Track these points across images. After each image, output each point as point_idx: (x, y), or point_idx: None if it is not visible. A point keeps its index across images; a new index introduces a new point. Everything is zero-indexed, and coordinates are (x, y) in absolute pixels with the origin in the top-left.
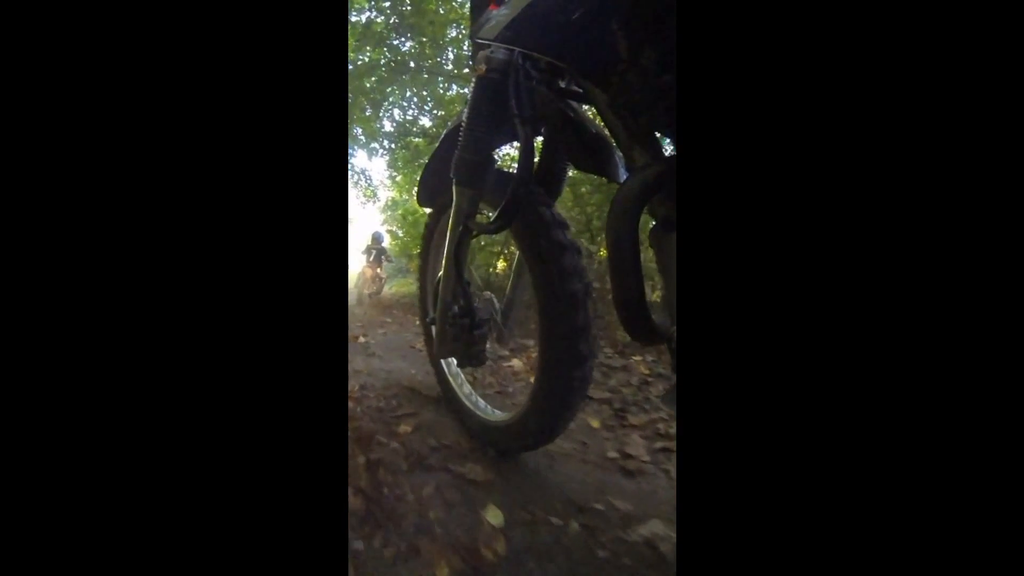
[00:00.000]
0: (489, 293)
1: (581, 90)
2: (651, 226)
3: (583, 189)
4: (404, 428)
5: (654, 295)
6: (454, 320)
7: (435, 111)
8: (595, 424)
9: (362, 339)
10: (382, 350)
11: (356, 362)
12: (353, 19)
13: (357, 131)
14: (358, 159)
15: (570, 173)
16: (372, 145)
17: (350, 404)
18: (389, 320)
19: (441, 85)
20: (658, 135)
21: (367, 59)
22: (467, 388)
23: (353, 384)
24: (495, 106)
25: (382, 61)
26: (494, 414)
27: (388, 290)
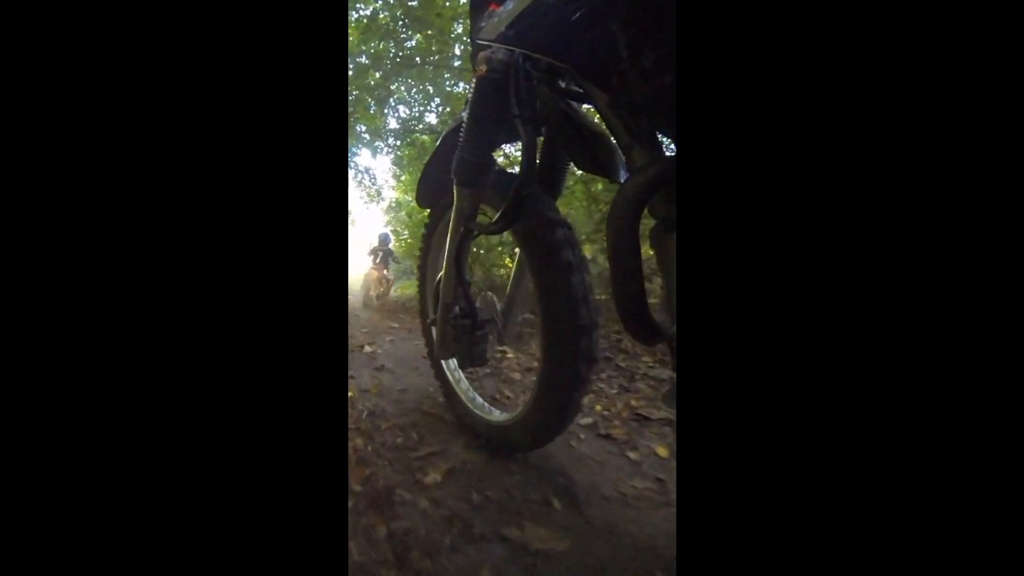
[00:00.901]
0: (490, 293)
1: (581, 90)
2: (652, 226)
3: (597, 187)
4: (433, 476)
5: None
6: (455, 321)
7: (442, 107)
8: (663, 452)
9: (368, 348)
10: (392, 362)
11: (363, 378)
12: (360, 13)
13: (360, 129)
14: (362, 158)
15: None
16: (376, 143)
17: (359, 441)
18: (396, 325)
19: (448, 81)
20: (659, 135)
21: (373, 51)
22: (468, 388)
23: (360, 410)
24: (496, 106)
25: (387, 55)
26: (495, 414)
27: (394, 292)
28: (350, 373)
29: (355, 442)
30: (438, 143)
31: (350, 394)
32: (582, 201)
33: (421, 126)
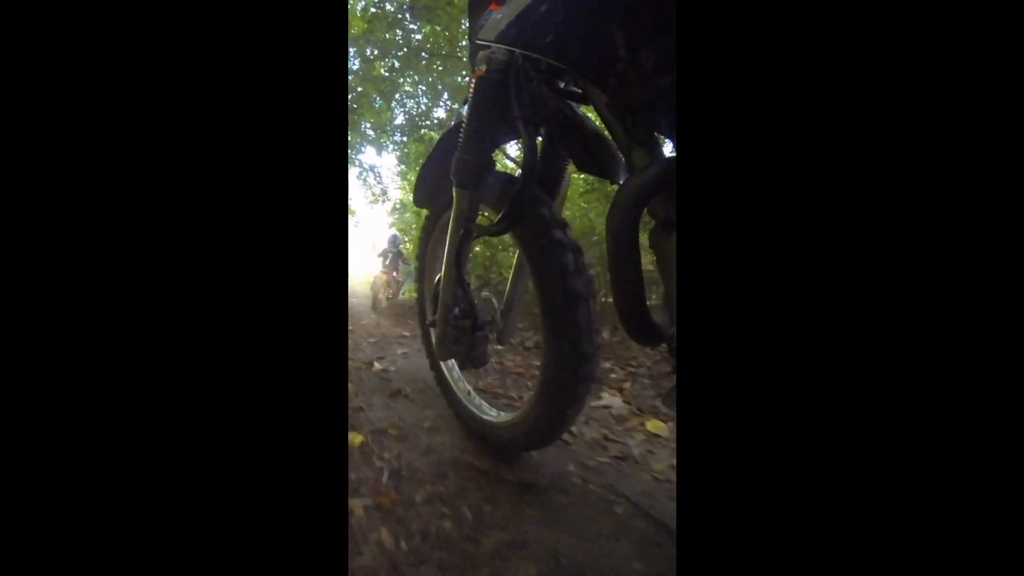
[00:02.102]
0: (488, 294)
1: (580, 91)
2: (651, 227)
3: (613, 186)
4: None
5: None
6: (455, 322)
7: (451, 102)
8: None
9: (378, 365)
10: (410, 384)
11: (375, 409)
12: (365, 1)
13: (364, 125)
14: (366, 155)
15: None
16: (381, 139)
17: (385, 532)
18: (407, 333)
19: (458, 74)
20: (658, 136)
21: (379, 42)
22: (466, 388)
23: (379, 467)
24: (495, 107)
25: (395, 44)
26: (496, 415)
27: (403, 295)
28: (359, 404)
29: (380, 533)
30: (436, 143)
31: (360, 439)
32: (604, 205)
33: (429, 122)
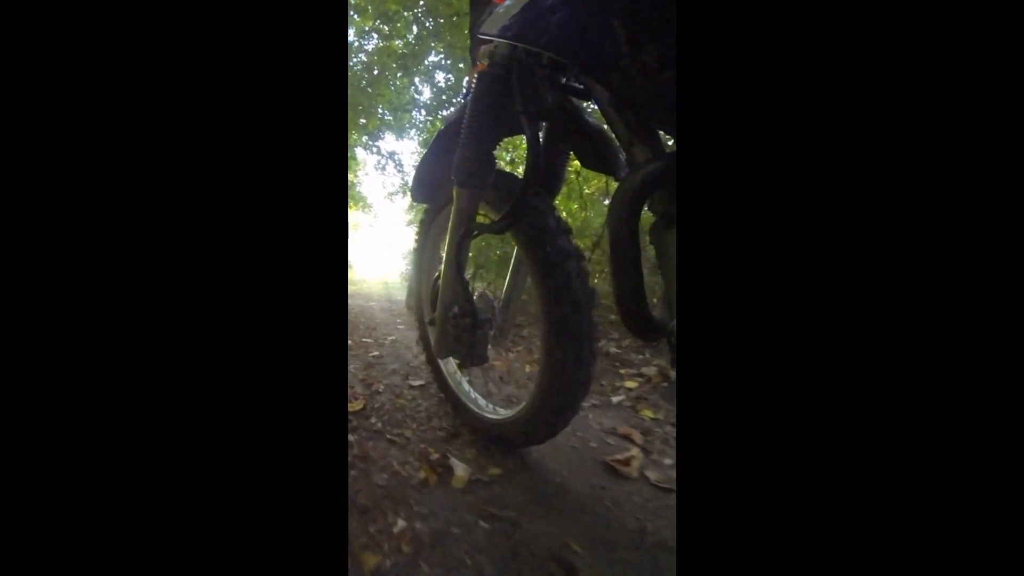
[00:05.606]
0: (485, 290)
1: (582, 86)
2: (652, 222)
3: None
4: None
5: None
6: (455, 321)
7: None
8: None
9: (461, 469)
10: (590, 547)
11: None
12: None
13: (381, 109)
14: (386, 141)
15: None
16: (403, 120)
17: None
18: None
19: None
20: (660, 131)
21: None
22: (466, 387)
23: None
24: (497, 102)
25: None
26: (496, 411)
27: None
28: None
29: None
30: (434, 137)
31: None
32: None
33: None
